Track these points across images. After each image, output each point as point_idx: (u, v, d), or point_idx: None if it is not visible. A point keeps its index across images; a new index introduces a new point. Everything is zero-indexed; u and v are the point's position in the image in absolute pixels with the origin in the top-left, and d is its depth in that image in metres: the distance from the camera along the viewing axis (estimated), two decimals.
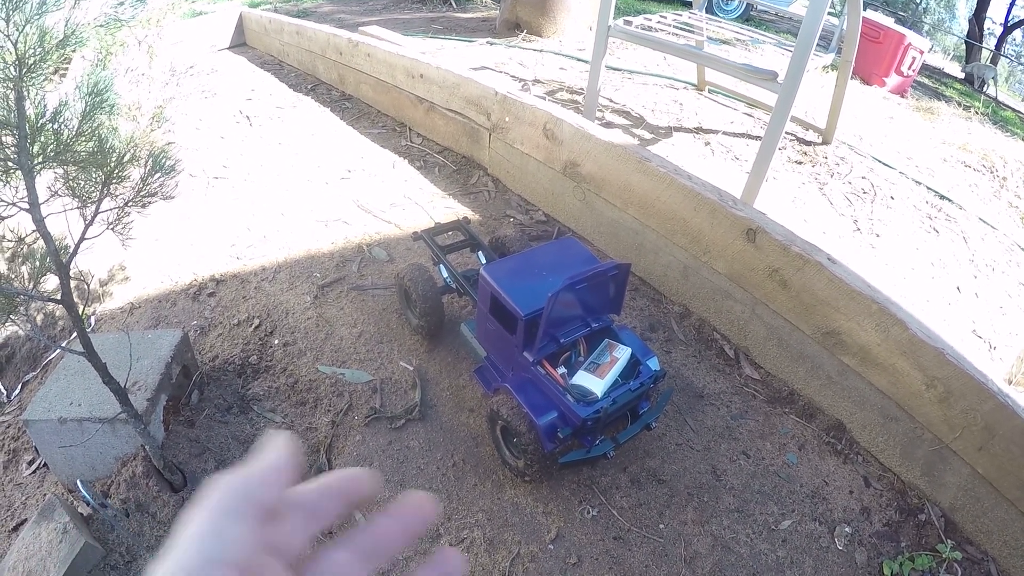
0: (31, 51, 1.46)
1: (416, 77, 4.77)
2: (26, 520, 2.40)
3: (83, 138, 1.73)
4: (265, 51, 7.09)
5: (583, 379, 2.28)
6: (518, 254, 2.61)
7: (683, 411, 2.91)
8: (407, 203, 4.18)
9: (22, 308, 1.93)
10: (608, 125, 4.87)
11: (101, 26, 1.56)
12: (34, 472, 2.71)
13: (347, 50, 5.50)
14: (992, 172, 5.50)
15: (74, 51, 1.59)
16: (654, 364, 2.41)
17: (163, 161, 1.94)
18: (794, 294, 2.88)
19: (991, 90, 10.19)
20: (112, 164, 1.82)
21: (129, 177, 1.91)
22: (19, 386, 3.18)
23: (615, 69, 5.95)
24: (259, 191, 4.23)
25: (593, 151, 3.54)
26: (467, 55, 6.20)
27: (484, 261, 3.06)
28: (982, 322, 3.76)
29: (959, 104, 7.82)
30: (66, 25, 1.49)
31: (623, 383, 2.31)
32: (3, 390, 3.19)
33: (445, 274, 3.03)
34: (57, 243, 1.86)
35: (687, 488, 2.61)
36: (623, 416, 2.50)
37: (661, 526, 2.48)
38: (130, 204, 1.96)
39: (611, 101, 5.26)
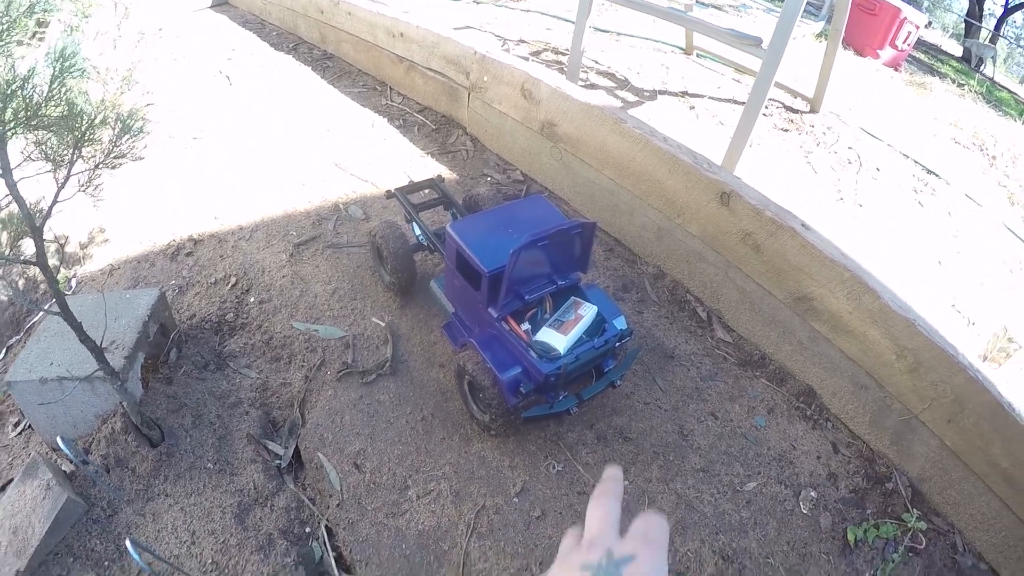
0: None
1: (396, 36, 4.69)
2: (12, 480, 2.42)
3: (52, 103, 1.73)
4: (247, 9, 6.94)
5: (546, 335, 2.29)
6: (485, 211, 2.60)
7: (652, 371, 2.93)
8: (385, 162, 4.16)
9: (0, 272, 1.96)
10: (592, 87, 4.82)
11: None
12: (19, 434, 2.73)
13: (328, 8, 5.39)
14: (982, 150, 5.48)
15: (48, 16, 1.60)
16: (620, 323, 2.43)
17: (132, 123, 1.93)
18: (767, 259, 2.89)
19: (988, 70, 10.08)
20: (83, 127, 1.83)
21: (100, 140, 1.93)
22: (3, 351, 3.19)
23: (602, 31, 5.87)
24: (238, 151, 4.18)
25: (570, 111, 3.51)
26: (453, 14, 6.09)
27: (455, 219, 3.05)
28: (962, 297, 3.77)
29: (953, 81, 7.75)
30: None
31: (587, 340, 2.33)
32: None
33: (418, 232, 3.02)
34: (32, 207, 1.87)
35: (653, 447, 2.64)
36: (588, 373, 2.53)
37: (626, 483, 2.51)
38: (101, 166, 1.97)
39: (596, 63, 5.19)
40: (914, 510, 2.54)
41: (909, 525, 2.48)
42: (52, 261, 3.38)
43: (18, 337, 3.21)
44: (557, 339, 2.27)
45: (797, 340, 2.93)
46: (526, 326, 2.35)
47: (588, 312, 2.37)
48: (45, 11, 1.55)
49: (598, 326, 2.40)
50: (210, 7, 7.04)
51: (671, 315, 3.25)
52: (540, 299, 2.41)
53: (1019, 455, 2.27)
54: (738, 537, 2.42)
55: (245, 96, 4.81)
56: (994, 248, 4.28)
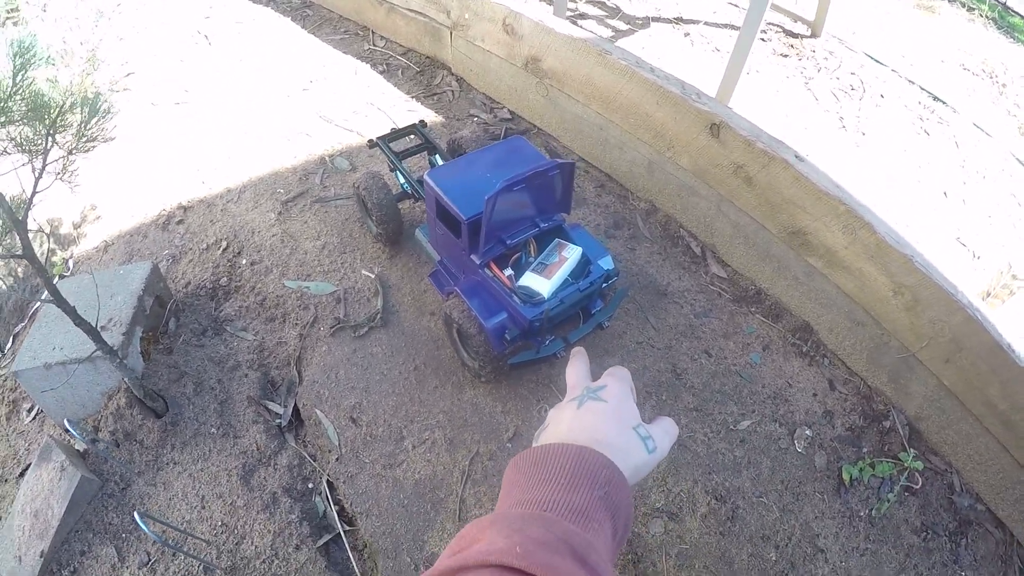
0: None
1: None
2: (31, 465, 2.48)
3: (18, 95, 1.70)
4: None
5: (530, 280, 2.26)
6: (463, 156, 2.54)
7: (645, 309, 2.90)
8: (370, 110, 4.06)
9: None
10: (581, 17, 4.64)
11: None
12: (34, 419, 2.78)
13: None
14: (992, 78, 5.22)
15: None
16: (606, 263, 2.38)
17: (98, 105, 1.90)
18: (759, 192, 2.80)
19: None
20: (54, 115, 1.81)
21: (71, 125, 1.91)
22: (11, 339, 3.21)
23: None
24: (221, 111, 4.10)
25: (553, 45, 3.38)
26: None
27: (433, 165, 2.99)
28: (967, 230, 3.65)
29: (963, 5, 7.36)
30: None
31: (572, 283, 2.29)
32: None
33: (402, 180, 2.97)
34: (13, 200, 1.86)
35: (646, 386, 2.63)
36: (575, 316, 2.50)
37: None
38: (73, 152, 1.95)
39: None
40: (911, 449, 2.52)
41: (906, 464, 2.47)
42: (46, 246, 3.39)
43: (23, 324, 3.24)
44: (540, 283, 2.23)
45: (792, 275, 2.87)
46: (509, 271, 2.31)
47: (572, 254, 2.32)
48: None
49: (583, 267, 2.36)
50: None
51: (664, 251, 3.20)
52: (523, 243, 2.37)
53: (1017, 397, 2.22)
54: (731, 476, 2.43)
55: (225, 54, 4.68)
56: (1003, 180, 4.12)
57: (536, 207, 2.31)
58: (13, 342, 3.19)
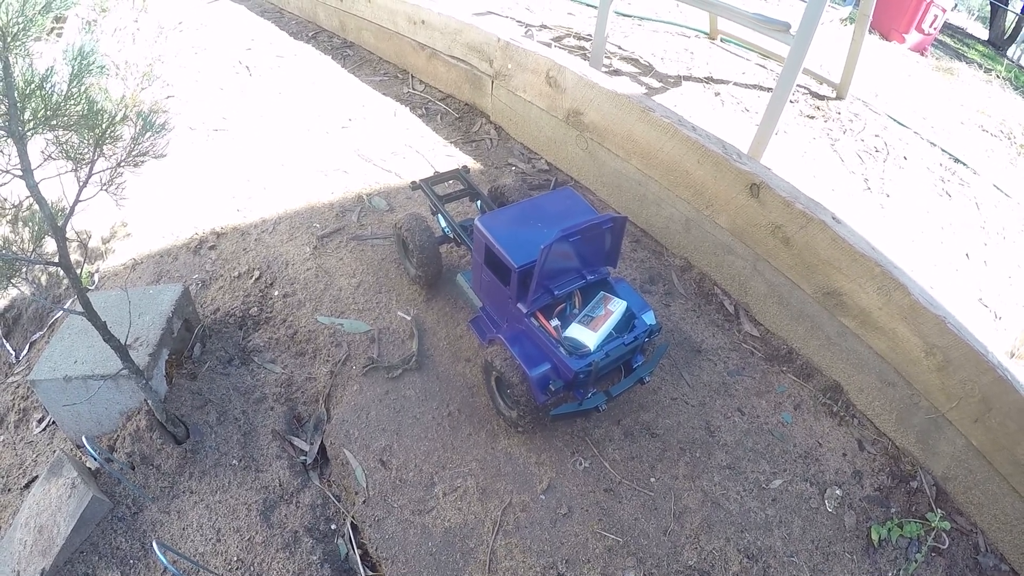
0: (13, 20, 1.44)
1: (417, 23, 4.64)
2: (37, 477, 2.45)
3: (72, 101, 1.72)
4: None
5: (576, 332, 2.26)
6: (514, 205, 2.57)
7: (679, 365, 2.90)
8: (408, 151, 4.12)
9: (23, 272, 1.95)
10: (616, 73, 4.74)
11: None
12: (44, 430, 2.76)
13: None
14: (1010, 139, 5.33)
15: (65, 12, 1.58)
16: (649, 318, 2.39)
17: (153, 120, 1.91)
18: (796, 252, 2.83)
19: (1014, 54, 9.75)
20: (104, 125, 1.82)
21: (121, 137, 1.92)
22: (27, 346, 3.20)
23: (625, 15, 5.76)
24: (259, 142, 4.17)
25: (596, 100, 3.46)
26: (474, 0, 5.99)
27: (482, 211, 3.02)
28: (989, 291, 3.68)
29: (980, 67, 7.55)
30: None
31: (617, 336, 2.30)
32: (12, 351, 3.21)
33: (443, 224, 2.99)
34: (53, 206, 1.87)
35: (680, 443, 2.61)
36: (617, 369, 2.50)
37: (652, 480, 2.50)
38: (123, 164, 1.95)
39: (620, 48, 5.10)
40: (938, 509, 2.51)
41: (933, 525, 2.45)
42: (74, 256, 3.38)
43: (41, 332, 3.22)
44: (587, 335, 2.24)
45: (825, 335, 2.88)
46: (555, 322, 2.32)
47: (617, 307, 2.33)
48: (62, 7, 1.53)
49: (627, 321, 2.37)
50: None
51: (698, 308, 3.21)
52: (569, 294, 2.38)
53: None
54: (763, 535, 2.40)
55: (265, 86, 4.78)
56: (1021, 239, 4.17)
57: (584, 259, 2.33)
58: (29, 350, 3.19)
